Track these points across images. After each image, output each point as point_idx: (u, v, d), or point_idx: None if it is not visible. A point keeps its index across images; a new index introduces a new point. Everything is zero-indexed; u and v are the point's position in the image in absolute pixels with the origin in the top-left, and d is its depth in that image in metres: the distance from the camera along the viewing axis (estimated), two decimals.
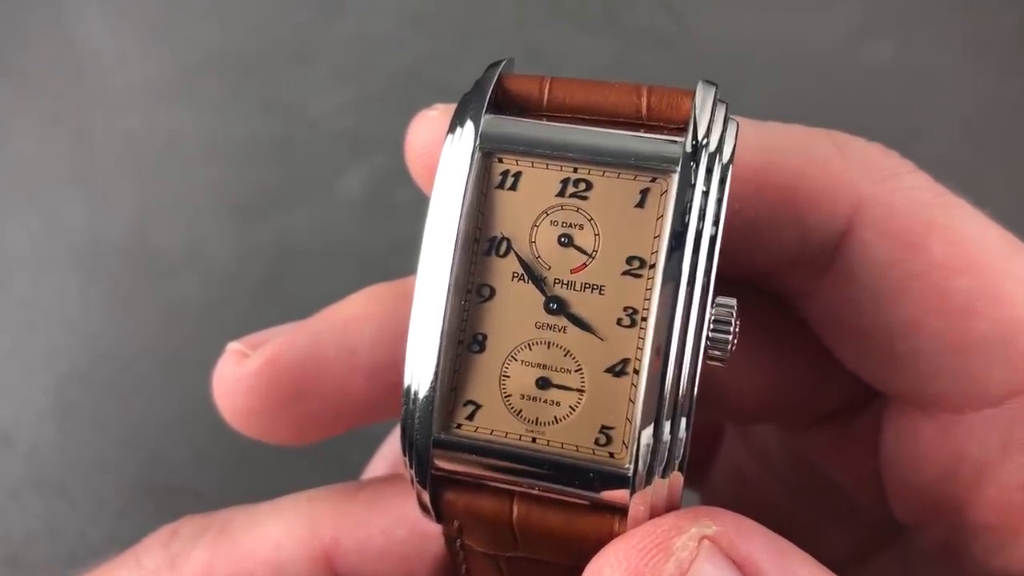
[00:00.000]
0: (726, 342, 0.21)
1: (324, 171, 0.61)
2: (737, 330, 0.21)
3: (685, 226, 0.20)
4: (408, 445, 0.21)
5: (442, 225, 0.21)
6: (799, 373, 0.30)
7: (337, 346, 0.27)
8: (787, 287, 0.28)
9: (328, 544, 0.26)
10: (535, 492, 0.21)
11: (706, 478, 0.37)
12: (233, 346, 0.28)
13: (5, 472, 0.53)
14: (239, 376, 0.27)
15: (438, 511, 0.23)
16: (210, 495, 0.49)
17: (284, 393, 0.27)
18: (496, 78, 0.23)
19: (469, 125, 0.22)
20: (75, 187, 0.61)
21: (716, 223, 0.20)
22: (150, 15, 0.64)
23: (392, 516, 0.26)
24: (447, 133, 0.22)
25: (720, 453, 0.37)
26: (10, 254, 0.60)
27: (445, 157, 0.22)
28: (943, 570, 0.28)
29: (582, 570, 0.21)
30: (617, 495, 0.21)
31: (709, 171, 0.20)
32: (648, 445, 0.20)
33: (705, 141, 0.21)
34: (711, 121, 0.21)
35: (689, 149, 0.21)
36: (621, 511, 0.21)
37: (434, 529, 0.25)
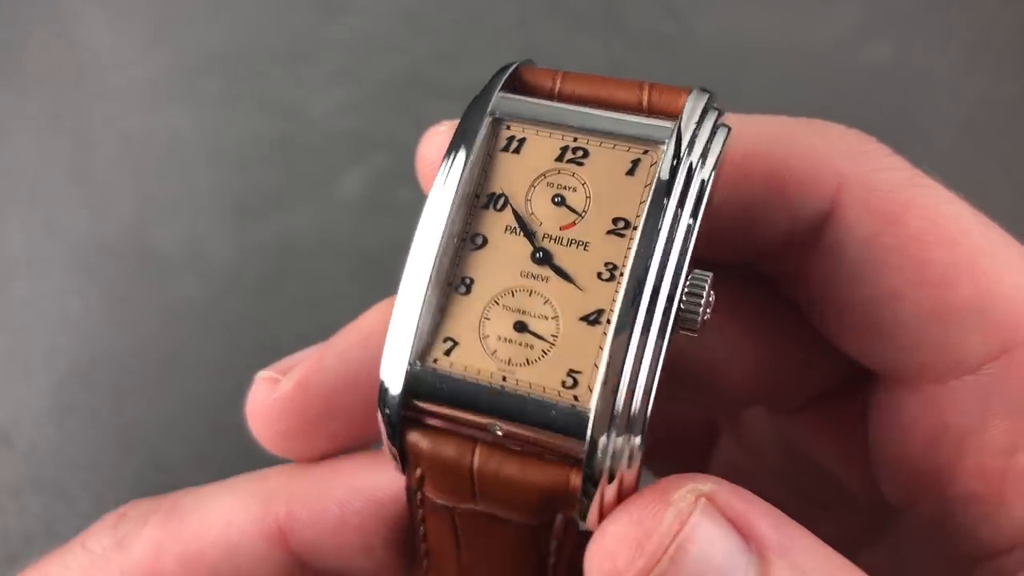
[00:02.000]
0: (698, 308, 0.22)
1: (324, 171, 0.61)
2: (711, 300, 0.22)
3: (669, 190, 0.22)
4: (385, 375, 0.22)
5: (447, 181, 0.23)
6: (789, 355, 0.31)
7: (361, 362, 0.27)
8: (778, 269, 0.29)
9: (282, 520, 0.26)
10: (499, 436, 0.22)
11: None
12: (263, 374, 0.28)
13: (4, 472, 0.53)
14: (272, 402, 0.27)
15: (403, 456, 0.23)
16: None
17: (317, 413, 0.27)
18: (514, 68, 0.25)
19: (485, 97, 0.24)
20: (75, 187, 0.61)
21: (700, 197, 0.22)
22: (150, 16, 0.64)
23: (346, 487, 0.26)
24: (467, 107, 0.24)
25: (714, 455, 0.37)
26: (10, 254, 0.60)
27: (461, 125, 0.24)
28: (934, 553, 0.28)
29: (534, 531, 0.22)
30: (573, 442, 0.21)
31: (691, 145, 0.22)
32: (613, 390, 0.20)
33: (695, 127, 0.23)
34: (703, 115, 0.23)
35: (680, 128, 0.23)
36: (577, 463, 0.21)
37: (390, 496, 0.26)
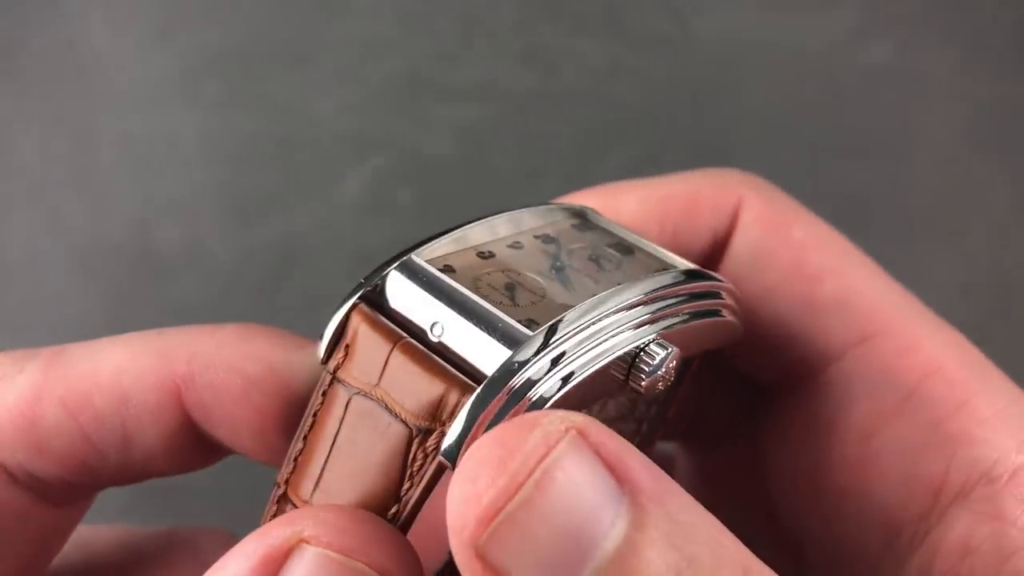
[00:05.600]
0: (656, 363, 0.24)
1: (324, 171, 0.61)
2: (671, 361, 0.24)
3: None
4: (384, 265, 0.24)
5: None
6: (702, 385, 0.32)
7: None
8: None
9: (180, 376, 0.25)
10: (431, 341, 0.23)
11: None
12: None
13: None
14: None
15: (341, 333, 0.24)
16: (210, 494, 0.49)
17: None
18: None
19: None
20: (75, 187, 0.61)
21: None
22: (151, 16, 0.64)
23: (257, 361, 0.25)
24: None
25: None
26: (11, 254, 0.60)
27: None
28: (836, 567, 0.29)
29: (409, 440, 0.22)
30: (497, 353, 0.22)
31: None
32: (552, 329, 0.22)
33: None
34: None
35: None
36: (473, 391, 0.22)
37: (298, 379, 0.25)
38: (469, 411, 0.21)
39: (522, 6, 0.63)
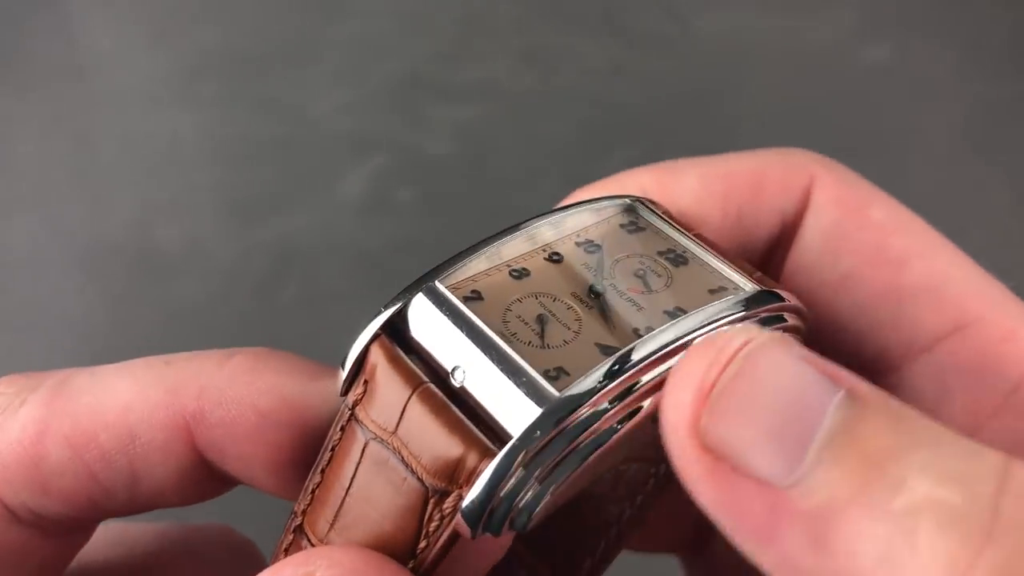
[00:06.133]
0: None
1: (324, 171, 0.61)
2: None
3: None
4: (407, 290, 0.23)
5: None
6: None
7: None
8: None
9: (190, 413, 0.24)
10: (454, 386, 0.22)
11: None
12: None
13: None
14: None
15: (358, 367, 0.23)
16: (222, 501, 0.49)
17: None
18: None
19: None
20: (75, 187, 0.61)
21: None
22: (151, 17, 0.64)
23: (265, 389, 0.24)
24: None
25: None
26: (10, 254, 0.60)
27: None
28: None
29: (425, 499, 0.21)
30: (522, 415, 0.20)
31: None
32: (584, 395, 0.20)
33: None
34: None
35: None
36: (501, 445, 0.21)
37: (313, 413, 0.24)
38: (489, 480, 0.20)
39: (522, 6, 0.63)
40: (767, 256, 0.29)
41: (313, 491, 0.23)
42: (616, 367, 0.20)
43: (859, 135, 0.62)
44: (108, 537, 0.30)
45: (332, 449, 0.23)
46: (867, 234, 0.27)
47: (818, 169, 0.28)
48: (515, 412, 0.20)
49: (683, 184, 0.28)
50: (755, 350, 0.18)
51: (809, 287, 0.27)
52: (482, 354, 0.21)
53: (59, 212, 0.60)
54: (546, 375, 0.21)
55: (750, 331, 0.19)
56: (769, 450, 0.17)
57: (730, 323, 0.22)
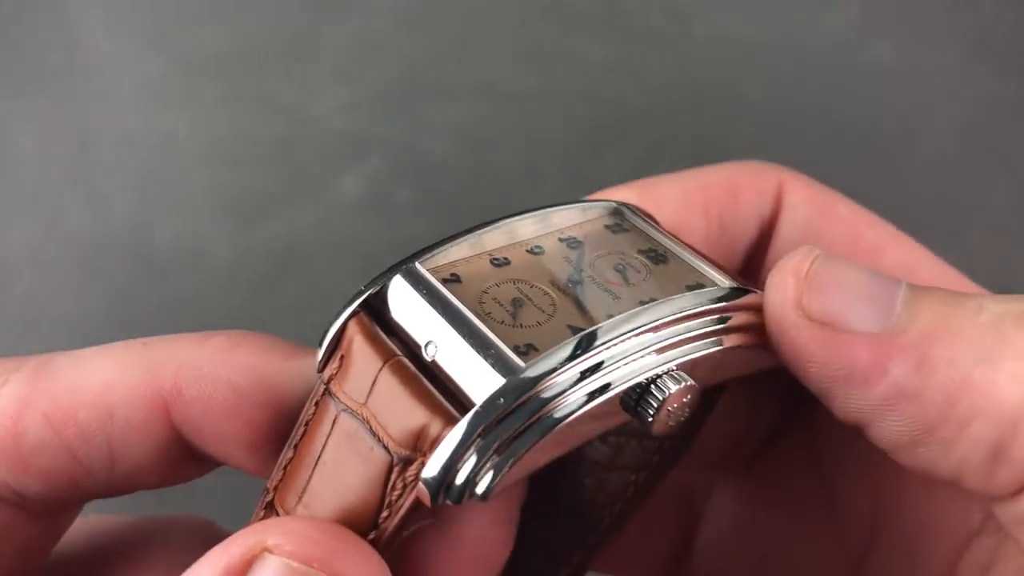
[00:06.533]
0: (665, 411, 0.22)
1: (324, 171, 0.61)
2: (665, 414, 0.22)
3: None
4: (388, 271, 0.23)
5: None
6: (734, 398, 0.31)
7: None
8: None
9: (167, 391, 0.24)
10: (426, 360, 0.22)
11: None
12: None
13: None
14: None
15: (338, 341, 0.23)
16: (210, 494, 0.49)
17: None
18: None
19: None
20: (75, 187, 0.61)
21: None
22: (151, 16, 0.64)
23: (241, 367, 0.24)
24: None
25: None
26: (11, 254, 0.60)
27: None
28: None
29: (390, 468, 0.21)
30: (487, 383, 0.21)
31: None
32: (550, 370, 0.20)
33: None
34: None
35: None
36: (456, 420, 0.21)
37: (290, 390, 0.24)
38: (449, 446, 0.20)
39: (522, 6, 0.63)
40: (748, 261, 0.31)
41: (285, 467, 0.24)
42: (584, 344, 0.21)
43: (860, 134, 0.62)
44: (85, 529, 0.30)
45: (306, 424, 0.23)
46: (840, 227, 0.30)
47: (784, 175, 0.30)
48: (480, 382, 0.21)
49: (665, 196, 0.29)
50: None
51: None
52: (453, 330, 0.22)
53: (59, 212, 0.60)
54: (516, 350, 0.21)
55: (813, 251, 0.23)
56: (865, 308, 0.22)
57: (703, 313, 0.23)
